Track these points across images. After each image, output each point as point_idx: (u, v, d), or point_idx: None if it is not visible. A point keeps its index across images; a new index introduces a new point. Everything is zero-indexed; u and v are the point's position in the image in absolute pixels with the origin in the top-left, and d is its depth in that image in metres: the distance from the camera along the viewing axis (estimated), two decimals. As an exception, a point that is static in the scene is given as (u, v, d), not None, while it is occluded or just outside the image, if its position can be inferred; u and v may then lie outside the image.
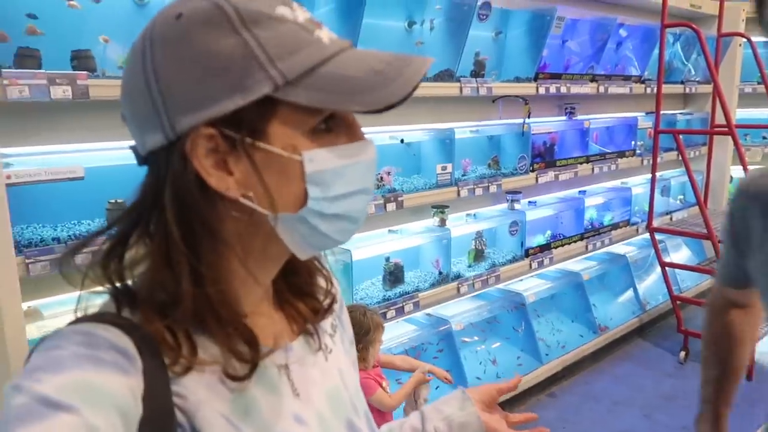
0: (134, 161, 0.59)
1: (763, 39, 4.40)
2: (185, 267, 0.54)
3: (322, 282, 0.72)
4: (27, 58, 1.56)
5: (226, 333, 0.56)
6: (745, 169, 3.49)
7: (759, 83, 4.43)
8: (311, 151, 0.54)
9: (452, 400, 0.82)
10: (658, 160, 3.81)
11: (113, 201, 1.78)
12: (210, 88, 0.51)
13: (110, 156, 1.70)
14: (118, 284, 0.57)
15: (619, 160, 3.78)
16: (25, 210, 1.73)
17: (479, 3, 2.55)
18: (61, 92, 1.54)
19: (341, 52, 0.55)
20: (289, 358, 0.63)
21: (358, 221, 0.60)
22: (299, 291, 0.69)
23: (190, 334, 0.55)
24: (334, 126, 0.56)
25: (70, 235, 1.67)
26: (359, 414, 0.69)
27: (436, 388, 2.89)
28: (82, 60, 1.66)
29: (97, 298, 0.58)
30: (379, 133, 2.50)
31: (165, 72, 0.52)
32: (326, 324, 0.71)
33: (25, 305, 1.71)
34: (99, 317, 0.54)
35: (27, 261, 1.54)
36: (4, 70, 1.47)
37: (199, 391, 0.55)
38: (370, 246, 2.55)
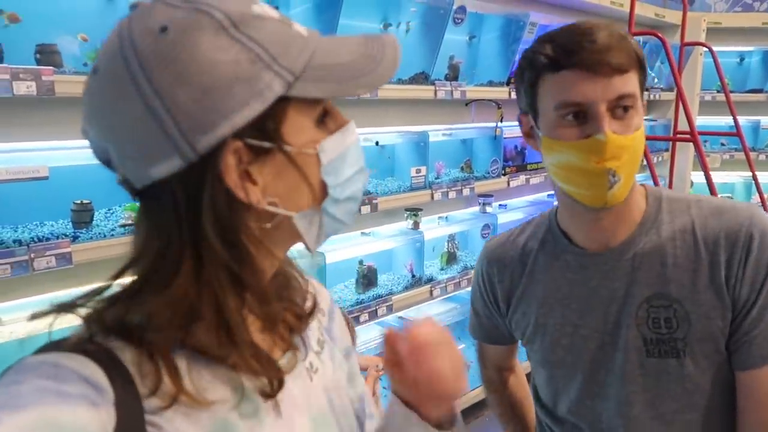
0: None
1: (720, 49, 4.55)
2: (231, 292, 0.53)
3: (297, 285, 0.69)
4: (-12, 52, 1.48)
5: (241, 354, 0.54)
6: (707, 174, 3.59)
7: (718, 91, 4.58)
8: (322, 142, 0.56)
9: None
10: (624, 165, 3.89)
11: (78, 202, 1.71)
12: (225, 100, 0.48)
13: (76, 155, 1.63)
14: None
15: (586, 164, 3.84)
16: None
17: (455, 7, 2.55)
18: (24, 88, 1.46)
19: (319, 42, 0.56)
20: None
21: (359, 200, 0.62)
22: (279, 297, 0.65)
23: (172, 361, 0.52)
24: (326, 116, 0.58)
25: (32, 237, 1.59)
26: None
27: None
28: (47, 55, 1.58)
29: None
30: (354, 134, 2.47)
31: (170, 91, 0.47)
32: (312, 341, 0.67)
33: (-18, 310, 1.62)
34: (67, 345, 0.50)
35: (-14, 264, 1.46)
36: (-37, 63, 1.39)
37: (176, 419, 0.51)
38: (343, 249, 2.52)
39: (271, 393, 0.56)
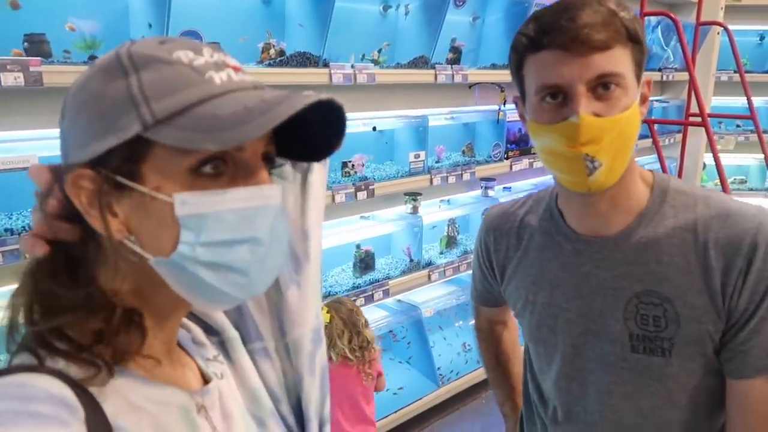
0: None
1: (739, 27, 4.40)
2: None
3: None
4: (-25, 42, 1.49)
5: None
6: (716, 159, 3.52)
7: (735, 72, 4.45)
8: (183, 193, 0.52)
9: None
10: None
11: (72, 189, 1.74)
12: (92, 129, 0.52)
13: (67, 144, 1.64)
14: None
15: (594, 147, 3.78)
16: (-21, 198, 1.68)
17: (456, -12, 2.49)
18: (12, 79, 1.47)
19: (230, 93, 0.53)
20: (206, 399, 0.62)
21: (249, 274, 0.56)
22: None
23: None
24: (228, 169, 0.54)
25: (23, 226, 1.62)
26: (264, 421, 0.69)
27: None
28: (35, 44, 1.59)
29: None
30: (352, 120, 2.45)
31: (67, 114, 0.54)
32: (207, 352, 0.69)
33: (-21, 296, 1.67)
34: (28, 367, 0.51)
35: (-22, 253, 1.50)
36: (-51, 55, 1.40)
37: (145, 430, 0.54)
38: (341, 233, 2.53)
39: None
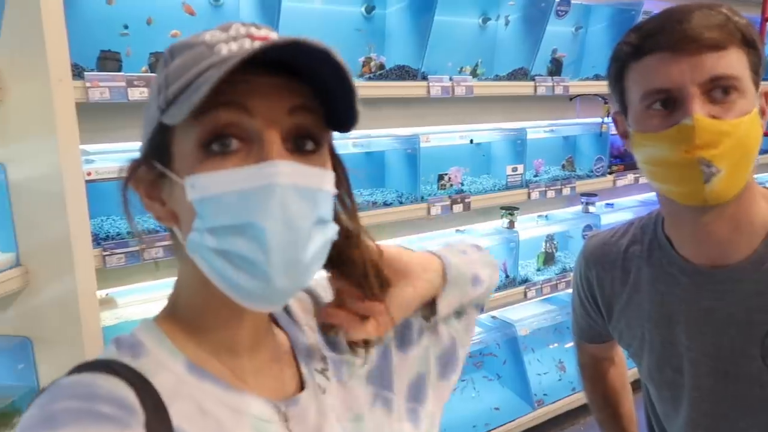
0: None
1: None
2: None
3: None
4: (108, 61, 1.64)
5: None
6: None
7: None
8: (192, 176, 0.50)
9: None
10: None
11: (186, 196, 1.85)
12: (144, 125, 0.55)
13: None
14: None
15: (707, 162, 3.53)
16: (106, 203, 1.83)
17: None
18: (138, 93, 1.61)
19: (228, 60, 0.47)
20: (292, 409, 0.59)
21: (258, 265, 0.49)
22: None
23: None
24: (243, 146, 0.50)
25: (143, 229, 1.75)
26: None
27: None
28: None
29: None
30: (449, 132, 2.46)
31: None
32: (316, 363, 0.66)
33: (102, 292, 1.81)
34: (100, 365, 0.52)
35: (104, 253, 1.63)
36: (86, 72, 1.55)
37: None
38: (436, 247, 2.51)
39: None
